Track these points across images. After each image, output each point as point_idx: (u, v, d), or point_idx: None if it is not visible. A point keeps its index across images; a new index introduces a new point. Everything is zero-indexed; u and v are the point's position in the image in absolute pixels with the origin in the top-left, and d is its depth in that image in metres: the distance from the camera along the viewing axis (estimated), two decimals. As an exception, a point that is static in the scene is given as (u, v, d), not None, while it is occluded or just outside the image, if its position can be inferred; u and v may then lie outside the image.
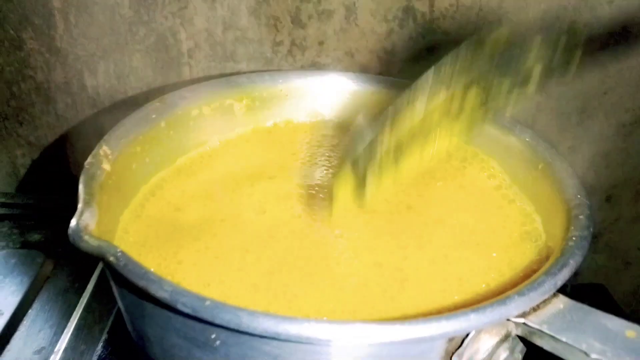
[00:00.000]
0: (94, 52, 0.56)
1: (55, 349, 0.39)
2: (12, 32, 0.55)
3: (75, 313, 0.42)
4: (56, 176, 0.63)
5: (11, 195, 0.58)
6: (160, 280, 0.24)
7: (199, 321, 0.23)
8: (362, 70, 0.56)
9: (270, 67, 0.56)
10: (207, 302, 0.22)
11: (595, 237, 0.68)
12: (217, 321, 0.22)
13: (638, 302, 0.72)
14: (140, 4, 0.53)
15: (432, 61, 0.54)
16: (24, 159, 0.62)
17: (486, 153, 0.41)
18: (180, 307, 0.23)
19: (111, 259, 0.25)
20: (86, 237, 0.25)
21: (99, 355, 0.38)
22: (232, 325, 0.22)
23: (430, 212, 0.36)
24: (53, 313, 0.42)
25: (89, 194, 0.28)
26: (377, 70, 0.56)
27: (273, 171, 0.40)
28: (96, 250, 0.25)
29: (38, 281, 0.44)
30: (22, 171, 0.63)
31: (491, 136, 0.40)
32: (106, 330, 0.40)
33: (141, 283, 0.24)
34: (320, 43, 0.55)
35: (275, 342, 0.23)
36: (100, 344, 0.39)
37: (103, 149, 0.32)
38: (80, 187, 0.29)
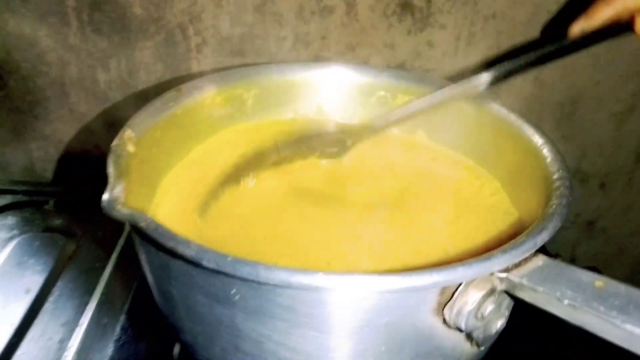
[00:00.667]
0: (106, 48, 0.59)
1: (80, 322, 0.43)
2: (28, 30, 0.58)
3: (97, 289, 0.45)
4: (70, 167, 0.67)
5: (31, 183, 0.62)
6: (187, 241, 0.27)
7: (221, 275, 0.27)
8: (363, 63, 0.60)
9: (275, 62, 0.60)
10: (229, 258, 0.26)
11: (590, 224, 0.72)
12: (238, 274, 0.26)
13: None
14: (151, 2, 0.56)
15: (431, 55, 0.59)
16: (39, 152, 0.66)
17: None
18: (205, 263, 0.27)
19: (142, 224, 0.29)
20: (118, 207, 0.29)
21: (122, 326, 0.42)
22: (251, 277, 0.26)
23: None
24: (76, 290, 0.46)
25: (118, 170, 0.32)
26: (377, 63, 0.60)
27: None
28: (128, 218, 0.29)
29: (61, 261, 0.48)
30: (38, 163, 0.67)
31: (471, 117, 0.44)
32: (127, 303, 0.44)
33: (170, 244, 0.28)
34: (323, 38, 0.59)
35: (288, 293, 0.27)
36: (123, 316, 0.43)
37: (127, 132, 0.36)
38: (110, 165, 0.33)
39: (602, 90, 0.63)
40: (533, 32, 0.58)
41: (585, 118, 0.64)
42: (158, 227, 0.28)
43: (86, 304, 0.44)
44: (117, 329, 0.42)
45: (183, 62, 0.60)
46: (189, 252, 0.27)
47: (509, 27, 0.58)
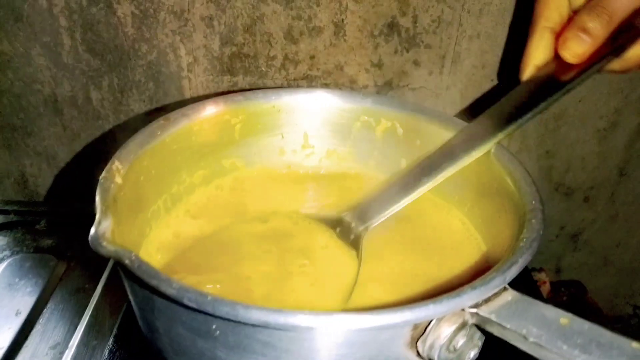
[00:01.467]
0: (99, 67, 0.60)
1: (69, 344, 0.44)
2: (21, 49, 0.59)
3: (87, 311, 0.46)
4: (63, 184, 0.68)
5: (23, 203, 0.63)
6: (168, 279, 0.28)
7: (201, 314, 0.28)
8: (351, 82, 0.61)
9: (264, 80, 0.61)
10: (209, 297, 0.27)
11: (575, 236, 0.73)
12: (217, 313, 0.27)
13: (616, 297, 0.77)
14: (143, 23, 0.57)
15: (417, 74, 0.60)
16: (32, 168, 0.67)
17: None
18: (186, 301, 0.28)
19: (127, 261, 0.29)
20: (104, 244, 0.30)
21: (110, 349, 0.43)
22: (230, 317, 0.27)
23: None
24: (66, 312, 0.47)
25: (105, 205, 0.33)
26: (365, 82, 0.61)
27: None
28: (113, 255, 0.30)
29: (51, 283, 0.49)
30: (31, 180, 0.68)
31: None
32: (116, 326, 0.45)
33: (153, 282, 0.29)
34: (312, 57, 0.59)
35: (266, 331, 0.28)
36: (111, 339, 0.44)
37: (115, 164, 0.37)
38: (97, 199, 0.34)
39: (586, 107, 0.63)
40: (516, 51, 0.59)
41: (569, 134, 0.65)
42: (141, 264, 0.29)
43: (76, 325, 0.45)
44: (105, 353, 0.43)
45: (174, 81, 0.61)
46: (170, 291, 0.28)
47: (493, 47, 0.59)
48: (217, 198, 0.46)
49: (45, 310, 0.47)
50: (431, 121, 0.46)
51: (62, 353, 0.43)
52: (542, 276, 0.64)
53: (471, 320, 0.30)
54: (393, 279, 0.39)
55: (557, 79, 0.42)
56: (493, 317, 0.29)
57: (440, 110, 0.48)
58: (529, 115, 0.40)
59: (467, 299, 0.29)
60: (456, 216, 0.45)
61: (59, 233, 0.55)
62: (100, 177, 0.35)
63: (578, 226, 0.72)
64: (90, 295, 0.48)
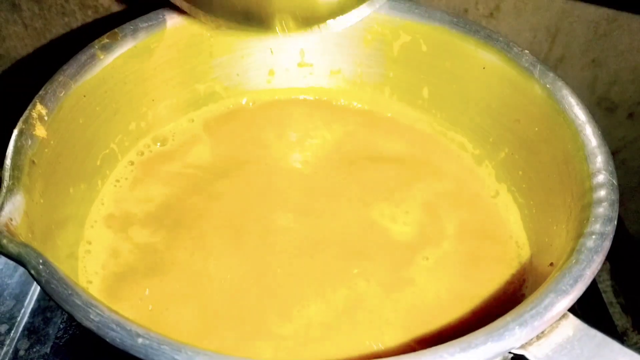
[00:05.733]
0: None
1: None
2: None
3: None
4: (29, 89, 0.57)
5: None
6: (87, 306, 0.19)
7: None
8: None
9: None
10: (140, 340, 0.18)
11: (611, 154, 0.62)
12: (150, 357, 0.18)
13: (647, 222, 0.68)
14: None
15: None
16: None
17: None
18: (109, 341, 0.18)
19: (32, 271, 0.20)
20: (4, 241, 0.20)
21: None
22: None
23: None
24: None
25: (14, 176, 0.23)
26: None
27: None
28: (16, 258, 0.20)
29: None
30: (-5, 83, 0.57)
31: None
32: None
33: (65, 307, 0.19)
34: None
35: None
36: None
37: (37, 108, 0.26)
38: (6, 166, 0.23)
39: (648, 7, 0.50)
40: None
41: (621, 39, 0.53)
42: (52, 277, 0.20)
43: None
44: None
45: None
46: (87, 324, 0.19)
47: None
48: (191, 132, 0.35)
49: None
50: (466, 37, 0.33)
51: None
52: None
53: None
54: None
55: None
56: (547, 366, 0.19)
57: (478, 23, 0.35)
58: None
59: (515, 339, 0.19)
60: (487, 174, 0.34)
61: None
62: (14, 131, 0.25)
63: (617, 145, 0.61)
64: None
